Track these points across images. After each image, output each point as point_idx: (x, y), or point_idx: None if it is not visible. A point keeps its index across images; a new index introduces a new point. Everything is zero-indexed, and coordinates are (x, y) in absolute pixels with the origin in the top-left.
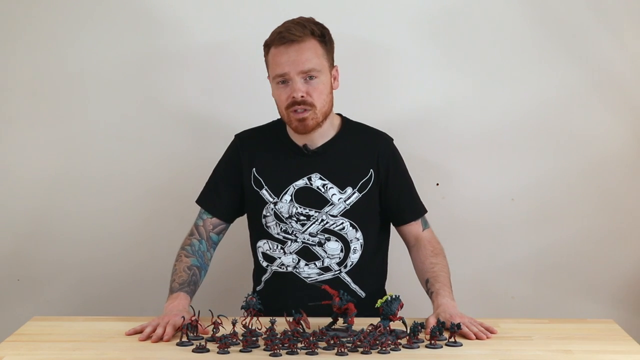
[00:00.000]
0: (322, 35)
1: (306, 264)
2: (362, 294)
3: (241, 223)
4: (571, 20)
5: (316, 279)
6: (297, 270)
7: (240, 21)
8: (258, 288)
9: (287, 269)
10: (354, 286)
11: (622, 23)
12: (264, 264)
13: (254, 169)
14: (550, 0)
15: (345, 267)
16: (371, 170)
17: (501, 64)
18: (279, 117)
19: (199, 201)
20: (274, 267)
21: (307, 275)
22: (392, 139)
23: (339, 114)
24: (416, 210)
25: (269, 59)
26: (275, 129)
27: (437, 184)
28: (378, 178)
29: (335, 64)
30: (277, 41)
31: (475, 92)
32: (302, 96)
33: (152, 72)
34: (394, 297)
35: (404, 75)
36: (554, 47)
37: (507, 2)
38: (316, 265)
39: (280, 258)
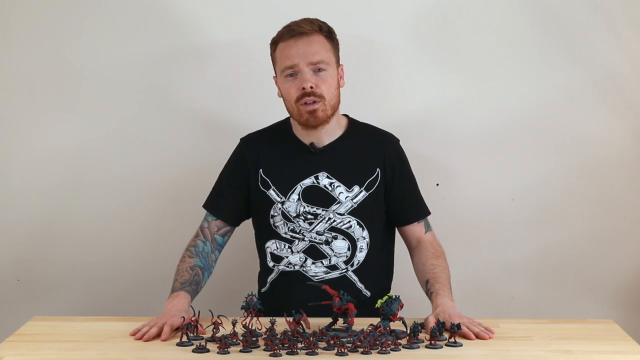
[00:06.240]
0: (329, 32)
1: (313, 263)
2: (368, 293)
3: (245, 224)
4: (571, 21)
5: (323, 278)
6: (304, 269)
7: (245, 22)
8: (263, 290)
9: (294, 268)
10: (359, 285)
11: (622, 23)
12: (271, 264)
13: (261, 170)
14: (550, 0)
15: (352, 265)
16: (378, 169)
17: (501, 64)
18: (285, 118)
19: (205, 205)
20: (281, 267)
21: (314, 274)
22: (399, 140)
23: (346, 115)
24: (419, 211)
25: (276, 54)
26: (281, 128)
27: (437, 184)
28: (384, 178)
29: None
30: (286, 35)
31: (475, 93)
32: (311, 87)
33: (156, 72)
34: (394, 297)
35: (404, 75)
36: (554, 47)
37: (508, 2)
38: (323, 264)
39: (287, 257)
